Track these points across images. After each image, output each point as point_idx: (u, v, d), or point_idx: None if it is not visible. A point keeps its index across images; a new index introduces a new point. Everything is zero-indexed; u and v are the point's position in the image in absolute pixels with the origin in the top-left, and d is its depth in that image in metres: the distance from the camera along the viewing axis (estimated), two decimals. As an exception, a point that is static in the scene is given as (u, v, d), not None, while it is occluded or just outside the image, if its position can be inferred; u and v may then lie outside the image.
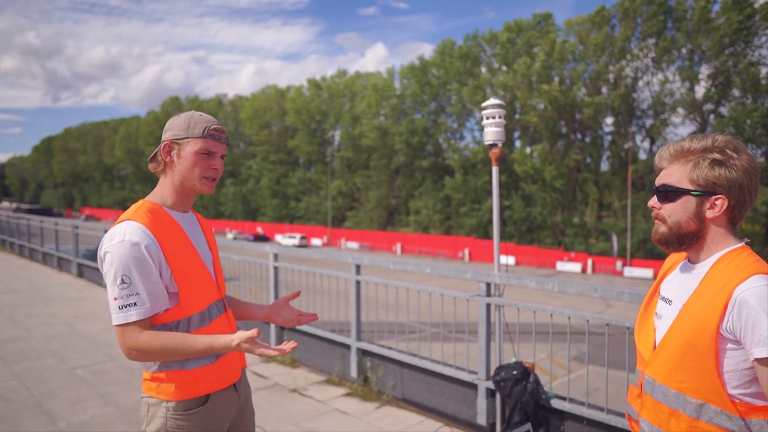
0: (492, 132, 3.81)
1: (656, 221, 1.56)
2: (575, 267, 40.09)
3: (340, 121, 62.09)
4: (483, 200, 48.52)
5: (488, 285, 3.78)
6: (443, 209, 52.96)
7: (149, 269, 1.57)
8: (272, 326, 5.66)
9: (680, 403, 1.48)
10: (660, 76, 45.23)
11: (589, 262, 40.31)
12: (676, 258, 1.72)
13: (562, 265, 40.59)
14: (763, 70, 39.57)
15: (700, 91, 43.27)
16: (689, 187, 1.48)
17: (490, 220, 48.69)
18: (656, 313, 1.65)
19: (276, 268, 5.67)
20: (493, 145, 3.82)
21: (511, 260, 42.75)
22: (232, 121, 74.91)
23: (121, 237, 1.57)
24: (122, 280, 1.54)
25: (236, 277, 6.60)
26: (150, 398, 1.69)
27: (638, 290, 2.99)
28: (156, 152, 1.75)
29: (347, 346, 4.88)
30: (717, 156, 1.46)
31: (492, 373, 3.67)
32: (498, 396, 3.75)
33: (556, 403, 3.42)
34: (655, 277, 37.19)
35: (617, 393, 3.45)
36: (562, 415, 3.44)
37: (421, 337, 4.46)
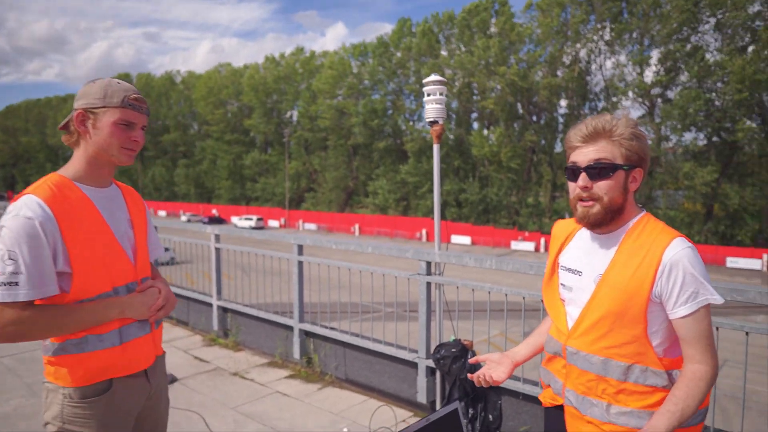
0: (433, 109, 3.75)
1: (585, 204, 1.55)
2: (529, 246, 41.09)
3: (298, 100, 61.06)
4: (441, 181, 48.93)
5: (428, 264, 3.76)
6: (401, 191, 53.11)
7: (41, 248, 1.44)
8: (214, 306, 5.51)
9: (607, 369, 1.53)
10: (613, 60, 46.36)
11: (542, 241, 41.36)
12: (565, 228, 1.75)
13: (517, 245, 41.53)
14: (708, 57, 41.04)
15: (650, 76, 44.57)
16: (621, 162, 1.52)
17: (447, 202, 49.19)
18: (563, 285, 1.69)
19: (218, 250, 5.50)
20: (434, 123, 3.76)
21: (467, 240, 43.43)
22: (185, 101, 72.51)
23: (17, 211, 1.45)
24: (9, 256, 1.42)
25: (189, 260, 6.38)
26: (49, 384, 1.59)
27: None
28: (68, 121, 1.60)
29: (290, 328, 4.79)
30: (636, 131, 1.53)
31: (432, 351, 3.66)
32: (438, 374, 3.76)
33: (493, 380, 3.45)
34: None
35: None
36: (499, 390, 3.47)
37: (364, 319, 4.41)
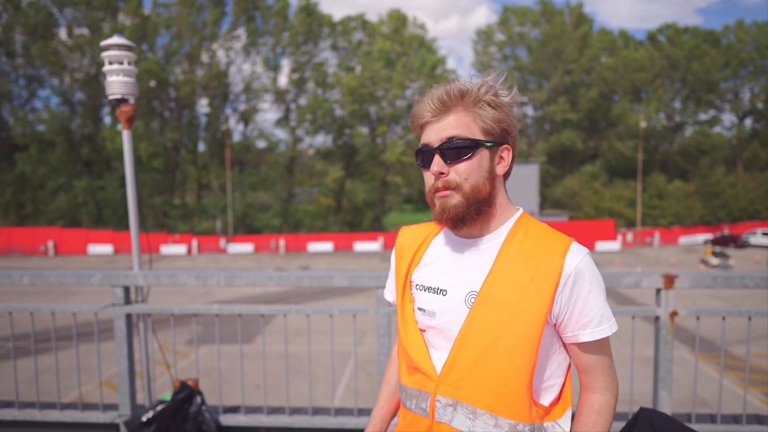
0: (118, 83, 2.81)
1: (442, 195, 1.19)
2: (180, 249, 39.13)
3: None
4: (74, 179, 41.97)
5: (126, 289, 2.82)
6: (16, 196, 43.11)
7: None
8: None
9: (488, 429, 1.16)
10: (249, 63, 48.46)
11: (194, 242, 40.07)
12: (416, 235, 1.37)
13: (167, 248, 38.99)
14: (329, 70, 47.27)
15: (283, 82, 48.53)
16: (482, 137, 1.18)
17: (84, 203, 42.55)
18: (420, 310, 1.28)
19: None
20: (123, 101, 2.83)
21: (108, 249, 38.52)
22: None
23: None
24: None
25: None
26: None
27: (316, 272, 2.68)
28: None
29: None
30: (495, 98, 1.20)
31: (150, 404, 2.77)
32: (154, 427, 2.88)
33: (228, 419, 2.82)
34: (257, 251, 40.21)
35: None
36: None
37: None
